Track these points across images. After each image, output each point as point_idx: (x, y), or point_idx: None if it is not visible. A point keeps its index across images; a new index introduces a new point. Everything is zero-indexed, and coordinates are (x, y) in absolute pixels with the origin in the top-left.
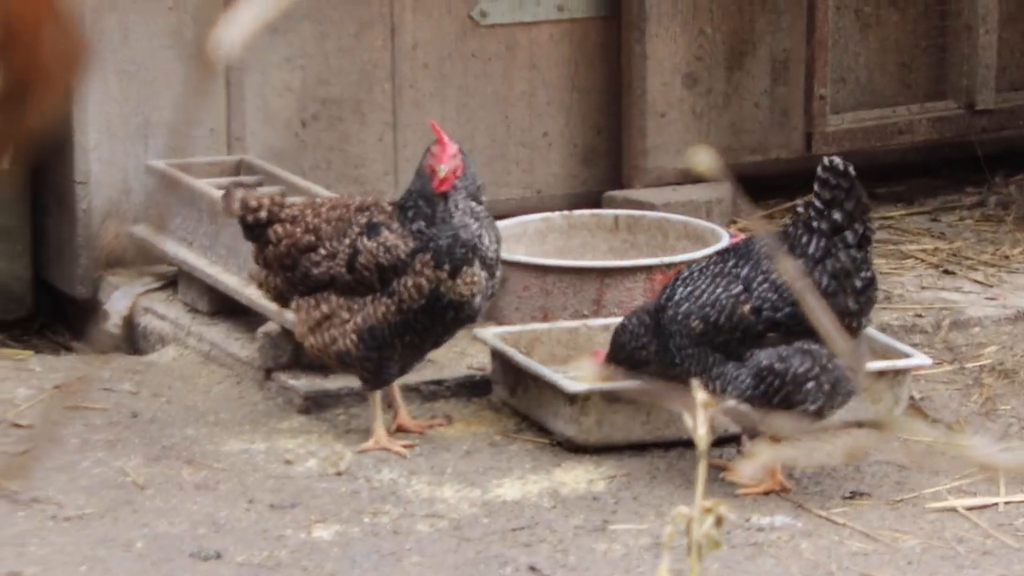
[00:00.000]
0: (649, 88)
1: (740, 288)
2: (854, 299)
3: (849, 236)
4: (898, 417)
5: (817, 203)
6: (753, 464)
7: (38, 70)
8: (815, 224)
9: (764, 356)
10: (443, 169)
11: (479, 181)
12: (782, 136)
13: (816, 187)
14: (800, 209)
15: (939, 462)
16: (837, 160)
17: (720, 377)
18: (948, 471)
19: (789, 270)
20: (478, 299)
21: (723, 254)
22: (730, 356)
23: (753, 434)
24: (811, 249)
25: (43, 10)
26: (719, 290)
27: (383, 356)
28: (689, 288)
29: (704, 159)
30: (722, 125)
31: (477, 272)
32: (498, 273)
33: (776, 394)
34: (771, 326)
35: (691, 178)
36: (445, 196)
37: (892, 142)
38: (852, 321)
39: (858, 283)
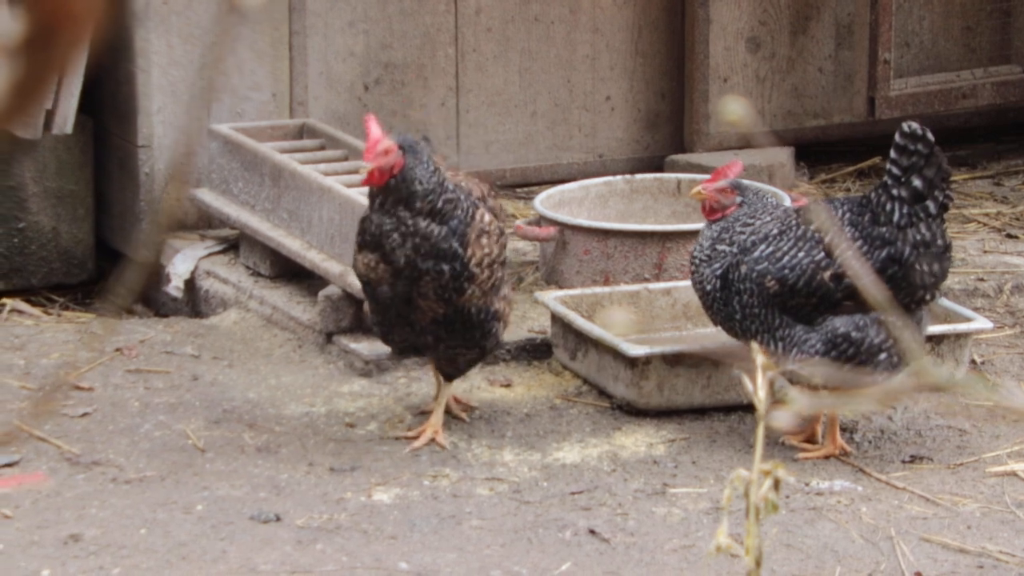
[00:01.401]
0: (712, 53)
1: (822, 254)
2: (931, 270)
3: (931, 206)
4: (959, 380)
5: (895, 170)
6: (790, 412)
7: (64, 14)
8: (894, 191)
9: (840, 323)
10: (363, 166)
11: (417, 187)
12: (845, 101)
13: (894, 153)
14: (885, 177)
15: (1000, 426)
16: (915, 125)
17: (785, 339)
18: (1009, 435)
19: (837, 237)
20: (384, 288)
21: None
22: (799, 319)
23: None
24: (895, 217)
25: None
26: (801, 254)
27: (377, 323)
28: (770, 249)
29: (736, 108)
30: (785, 90)
31: (371, 257)
32: (427, 285)
33: (848, 361)
34: (849, 294)
35: (753, 143)
36: (385, 187)
37: (956, 106)
38: (926, 294)
39: (936, 253)
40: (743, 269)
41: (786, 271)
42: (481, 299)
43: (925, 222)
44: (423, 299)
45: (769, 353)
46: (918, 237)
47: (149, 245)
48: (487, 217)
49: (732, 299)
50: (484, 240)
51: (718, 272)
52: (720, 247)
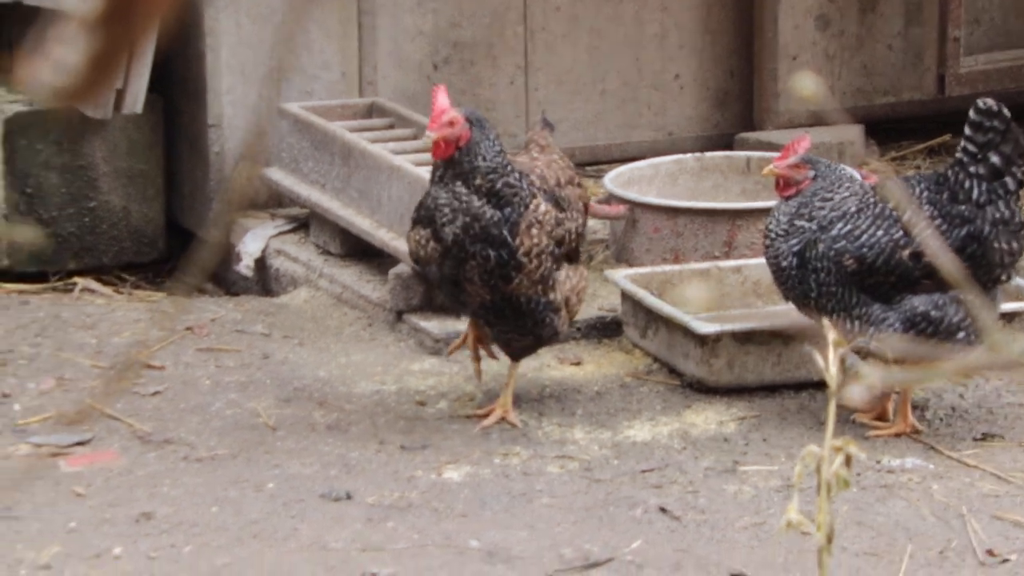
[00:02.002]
0: (781, 30)
1: (901, 232)
2: (1009, 248)
3: (1010, 183)
4: None
5: (970, 147)
6: (862, 388)
7: None
8: (971, 168)
9: (920, 302)
10: (428, 135)
11: (480, 163)
12: (915, 78)
13: (969, 130)
14: (959, 155)
15: None
16: (991, 101)
17: (862, 317)
18: None
19: (915, 215)
20: (432, 268)
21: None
22: (877, 298)
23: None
24: (975, 194)
25: None
26: (879, 232)
27: (442, 293)
28: (848, 227)
29: (808, 84)
30: (854, 67)
31: (422, 234)
32: (473, 269)
33: (927, 341)
34: (928, 273)
35: (822, 120)
36: (448, 160)
37: None
38: (1003, 272)
39: (1014, 230)
40: (820, 247)
41: (865, 249)
42: (531, 288)
43: (1004, 199)
44: (469, 283)
45: (845, 331)
46: (997, 215)
47: (220, 224)
48: (543, 207)
49: (808, 277)
50: (535, 231)
51: (795, 248)
52: (799, 222)
